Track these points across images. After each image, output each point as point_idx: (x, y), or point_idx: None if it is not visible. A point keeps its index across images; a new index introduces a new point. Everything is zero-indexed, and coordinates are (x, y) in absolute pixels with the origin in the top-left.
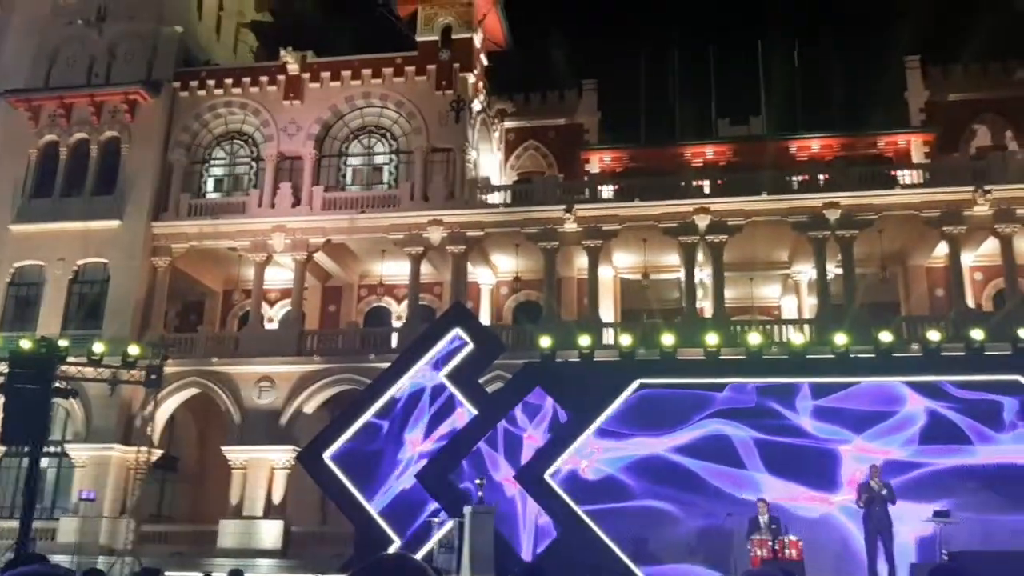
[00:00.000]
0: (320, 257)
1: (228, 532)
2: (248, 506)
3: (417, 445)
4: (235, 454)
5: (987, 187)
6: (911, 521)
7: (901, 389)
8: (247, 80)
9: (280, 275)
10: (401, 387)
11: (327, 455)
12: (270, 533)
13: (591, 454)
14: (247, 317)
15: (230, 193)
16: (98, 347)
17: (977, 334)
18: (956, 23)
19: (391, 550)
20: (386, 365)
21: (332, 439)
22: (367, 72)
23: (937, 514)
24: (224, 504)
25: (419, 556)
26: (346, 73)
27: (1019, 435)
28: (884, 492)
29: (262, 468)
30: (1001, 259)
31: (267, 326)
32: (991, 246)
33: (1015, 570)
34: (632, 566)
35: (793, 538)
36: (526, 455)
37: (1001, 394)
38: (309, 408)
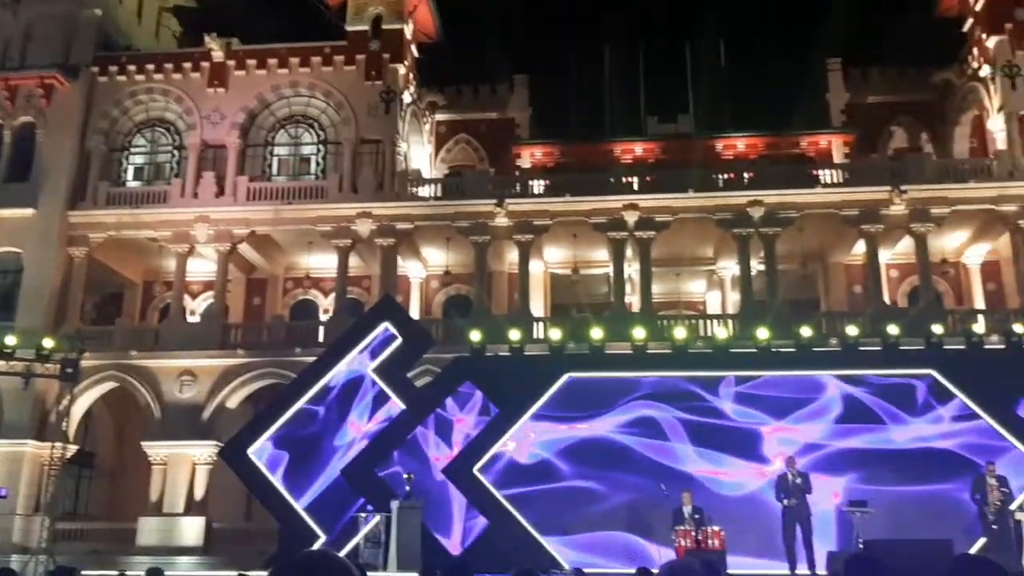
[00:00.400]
0: (244, 249)
1: (147, 529)
2: (168, 503)
3: (363, 427)
4: (155, 449)
5: (903, 187)
6: (824, 494)
7: (822, 378)
8: (169, 66)
9: (203, 267)
10: (336, 376)
11: (251, 450)
12: (191, 530)
13: (525, 437)
14: (168, 309)
15: (151, 182)
16: (10, 340)
17: (893, 329)
18: (877, 27)
19: (316, 546)
20: (312, 359)
21: (256, 434)
22: (295, 61)
23: (853, 503)
24: (143, 501)
25: (345, 551)
26: (273, 61)
27: (932, 416)
28: (800, 482)
29: (183, 464)
30: (916, 257)
31: (189, 319)
32: (907, 245)
33: (925, 557)
34: (560, 559)
35: (716, 528)
36: (457, 438)
37: (914, 378)
38: (232, 403)
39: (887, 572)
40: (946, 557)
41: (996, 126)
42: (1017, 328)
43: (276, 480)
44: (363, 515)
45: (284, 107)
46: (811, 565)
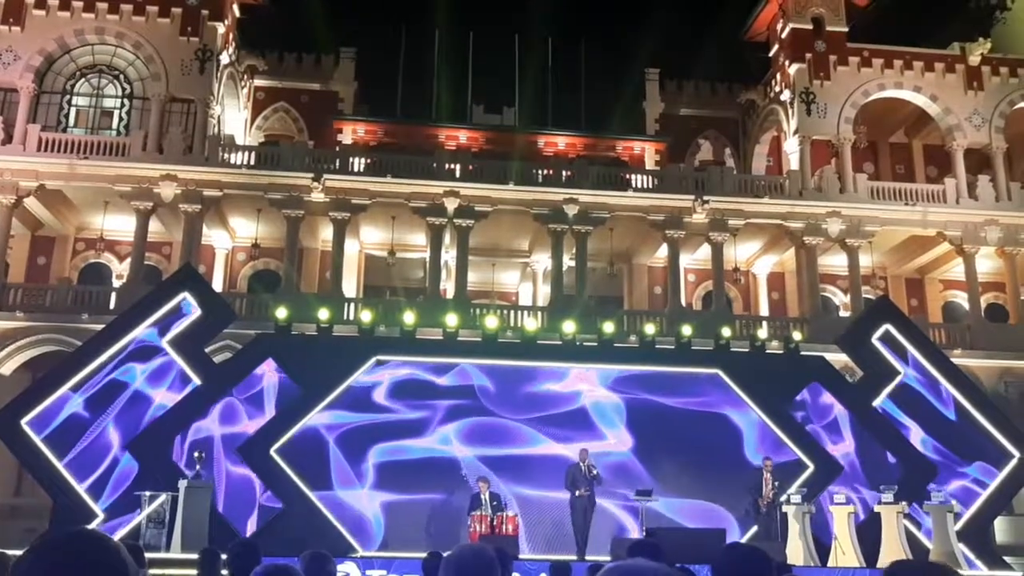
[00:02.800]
0: (31, 203)
1: None
2: None
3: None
4: None
5: (706, 198)
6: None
7: None
8: None
9: None
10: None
11: (25, 421)
12: None
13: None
14: None
15: None
16: None
17: (686, 330)
18: (693, 42)
19: (94, 525)
20: (101, 327)
21: (32, 404)
22: (102, 6)
23: (639, 493)
24: None
25: (126, 531)
26: (78, 4)
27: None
28: (593, 474)
29: None
30: (711, 264)
31: None
32: (704, 251)
33: (702, 544)
34: (353, 542)
35: (511, 514)
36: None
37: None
38: (7, 368)
39: (666, 557)
40: (720, 545)
41: (791, 147)
42: (795, 335)
43: (49, 452)
44: (146, 494)
45: (87, 54)
46: (581, 551)
